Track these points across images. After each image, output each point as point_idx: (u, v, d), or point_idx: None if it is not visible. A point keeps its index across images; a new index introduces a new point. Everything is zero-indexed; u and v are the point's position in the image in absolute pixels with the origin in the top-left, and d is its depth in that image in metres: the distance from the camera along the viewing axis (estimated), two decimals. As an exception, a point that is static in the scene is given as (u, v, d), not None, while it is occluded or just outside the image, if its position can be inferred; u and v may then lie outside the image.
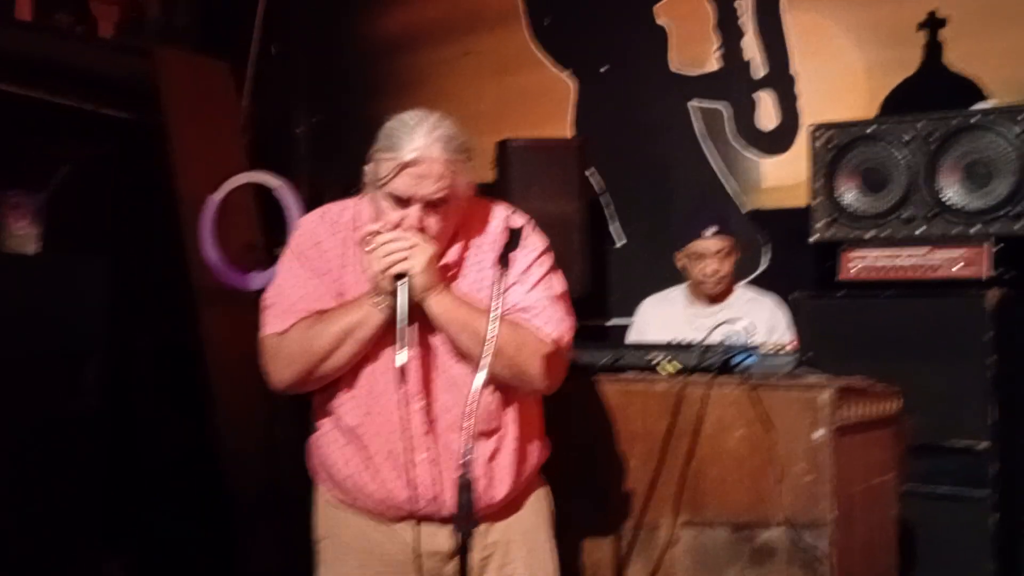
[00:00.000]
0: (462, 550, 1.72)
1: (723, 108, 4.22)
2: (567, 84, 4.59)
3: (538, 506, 2.19)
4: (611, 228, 4.44)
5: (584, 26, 4.55)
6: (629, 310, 3.90)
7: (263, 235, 4.62)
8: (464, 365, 2.00)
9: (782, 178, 4.09)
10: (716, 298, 3.49)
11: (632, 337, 3.59)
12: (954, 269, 3.25)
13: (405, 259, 1.92)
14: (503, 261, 1.85)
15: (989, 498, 3.09)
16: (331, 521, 2.14)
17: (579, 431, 2.46)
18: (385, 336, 1.98)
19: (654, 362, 2.51)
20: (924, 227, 3.31)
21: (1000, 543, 3.09)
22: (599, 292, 4.22)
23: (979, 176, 3.24)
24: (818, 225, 3.49)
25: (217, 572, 4.12)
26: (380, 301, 1.96)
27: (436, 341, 2.03)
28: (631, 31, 4.42)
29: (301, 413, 4.48)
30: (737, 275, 3.61)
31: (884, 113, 3.80)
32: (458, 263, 2.08)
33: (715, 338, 2.49)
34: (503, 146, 3.92)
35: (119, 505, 3.04)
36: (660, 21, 4.36)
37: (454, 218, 2.04)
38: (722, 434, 2.38)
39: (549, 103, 4.60)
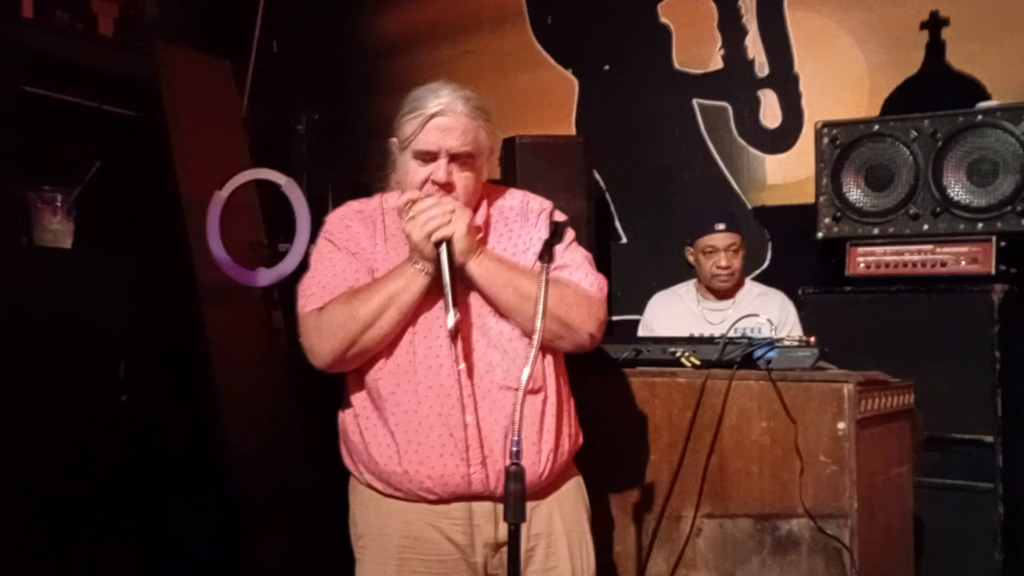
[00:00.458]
0: (511, 539, 1.72)
1: (727, 107, 4.26)
2: (569, 83, 4.62)
3: (577, 496, 2.20)
4: (613, 225, 4.48)
5: (587, 25, 4.57)
6: (631, 307, 3.93)
7: (267, 232, 4.63)
8: (505, 324, 2.03)
9: (785, 176, 4.13)
10: (725, 293, 3.53)
11: (641, 333, 3.62)
12: (960, 265, 3.30)
13: (447, 223, 1.96)
14: (547, 255, 1.86)
15: (995, 490, 3.14)
16: (372, 516, 2.13)
17: (602, 424, 2.47)
18: (423, 304, 2.02)
19: (676, 355, 2.54)
20: (930, 224, 3.36)
21: (1006, 534, 3.14)
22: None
23: (984, 173, 3.29)
24: (824, 222, 3.54)
25: (222, 569, 4.11)
26: (422, 267, 1.99)
27: (474, 304, 2.05)
28: (634, 30, 4.44)
29: (306, 409, 4.52)
30: (742, 271, 3.65)
31: (886, 112, 3.84)
32: (484, 233, 2.12)
33: (736, 332, 2.52)
34: (510, 143, 3.93)
35: (127, 501, 3.03)
36: (663, 20, 4.39)
37: (480, 181, 2.10)
38: (745, 426, 2.41)
39: (551, 102, 4.62)
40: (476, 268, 2.01)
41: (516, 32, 4.71)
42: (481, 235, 2.10)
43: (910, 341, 3.23)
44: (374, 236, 2.13)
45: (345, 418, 2.17)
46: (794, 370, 2.42)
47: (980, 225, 3.28)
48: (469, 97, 2.05)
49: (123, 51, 4.61)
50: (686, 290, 3.63)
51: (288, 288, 4.49)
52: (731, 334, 2.54)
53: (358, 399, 2.11)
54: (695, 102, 4.32)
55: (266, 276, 4.31)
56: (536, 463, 2.04)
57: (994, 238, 3.25)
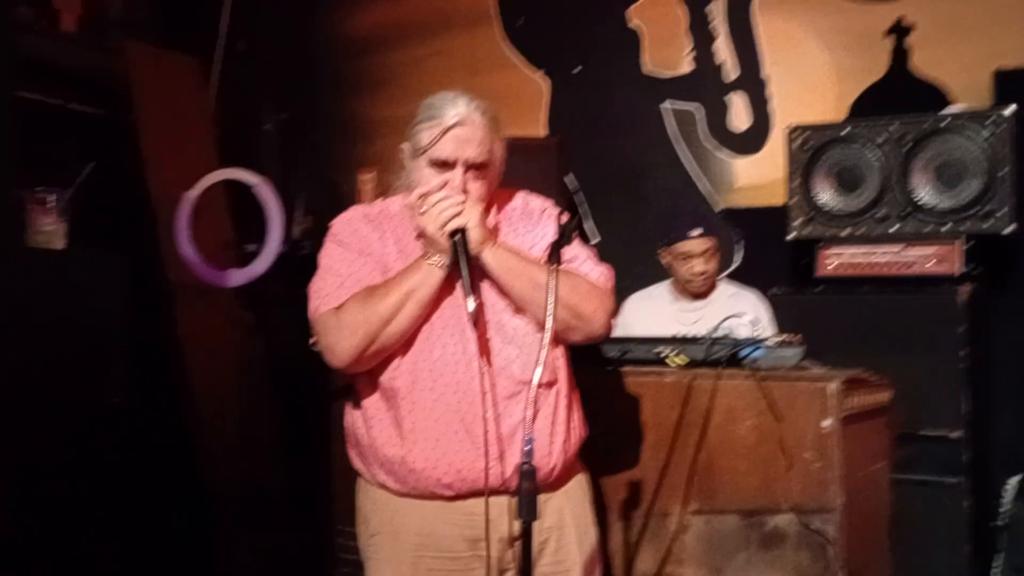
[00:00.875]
0: (524, 537, 1.75)
1: (696, 109, 4.32)
2: (539, 85, 4.65)
3: (584, 490, 2.24)
4: (584, 227, 4.51)
5: (557, 27, 4.60)
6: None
7: (236, 233, 4.60)
8: (520, 319, 2.07)
9: (754, 178, 4.20)
10: (700, 294, 3.58)
11: (618, 334, 3.65)
12: (927, 266, 3.38)
13: (460, 214, 2.00)
14: (555, 256, 1.89)
15: (963, 484, 3.22)
16: (386, 516, 2.13)
17: (590, 423, 2.49)
18: (437, 301, 2.05)
19: (662, 355, 2.59)
20: (897, 225, 3.44)
21: (973, 527, 3.23)
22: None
23: (950, 177, 3.38)
24: (795, 223, 3.61)
25: (196, 566, 4.08)
26: (437, 260, 2.02)
27: (489, 300, 2.09)
28: (604, 33, 4.49)
29: (279, 409, 4.50)
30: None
31: (852, 116, 3.92)
32: (494, 231, 2.16)
33: (721, 331, 2.57)
34: (483, 144, 3.94)
35: (107, 500, 3.00)
36: (632, 24, 4.44)
37: (491, 187, 2.14)
38: (731, 424, 2.46)
39: (521, 103, 4.64)
40: (491, 257, 2.05)
41: (487, 34, 4.73)
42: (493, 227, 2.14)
43: (879, 340, 3.29)
44: (383, 238, 2.16)
45: (355, 420, 2.17)
46: (779, 369, 2.48)
47: (946, 227, 3.36)
48: (485, 108, 2.10)
49: (88, 48, 4.55)
50: (660, 291, 3.67)
51: (259, 289, 4.48)
52: (715, 334, 2.58)
53: (371, 400, 2.12)
54: (665, 105, 4.38)
55: (237, 277, 4.28)
56: (549, 455, 2.07)
57: (959, 240, 3.33)
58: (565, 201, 4.13)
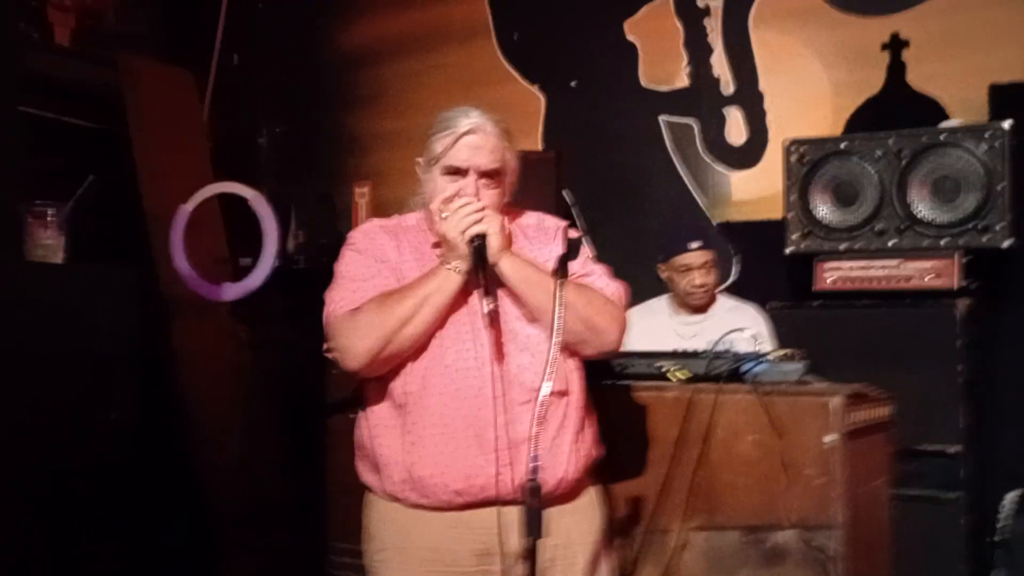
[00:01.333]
0: (530, 555, 1.73)
1: (693, 123, 4.32)
2: (536, 98, 4.65)
3: (597, 511, 2.23)
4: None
5: (553, 41, 4.61)
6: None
7: (230, 247, 4.58)
8: (534, 328, 2.09)
9: (751, 192, 4.20)
10: (699, 307, 3.57)
11: (618, 348, 3.64)
12: (925, 280, 3.38)
13: (480, 221, 2.04)
14: (562, 270, 1.89)
15: (961, 500, 3.21)
16: (394, 530, 2.12)
17: (590, 438, 2.49)
18: (451, 308, 2.07)
19: (663, 370, 2.57)
20: (895, 239, 3.44)
21: (971, 544, 3.22)
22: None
23: (947, 191, 3.38)
24: (793, 237, 3.61)
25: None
26: (455, 266, 2.04)
27: (504, 309, 2.09)
28: (601, 47, 4.49)
29: (276, 423, 4.47)
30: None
31: (850, 130, 3.93)
32: (510, 242, 2.18)
33: (723, 346, 2.56)
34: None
35: (108, 513, 2.99)
36: (629, 38, 4.44)
37: (503, 199, 2.18)
38: (733, 439, 2.44)
39: (518, 118, 4.61)
40: (508, 266, 2.07)
41: (483, 48, 4.73)
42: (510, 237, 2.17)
43: (876, 354, 3.27)
44: (400, 248, 2.19)
45: (364, 431, 2.17)
46: (781, 384, 2.46)
47: (944, 241, 3.36)
48: (498, 120, 2.15)
49: (82, 61, 4.53)
50: (659, 305, 3.67)
51: (254, 303, 4.46)
52: (716, 348, 2.57)
53: (380, 408, 2.12)
54: (661, 119, 4.38)
55: (232, 291, 4.26)
56: (558, 465, 2.07)
57: (957, 254, 3.33)
58: (563, 215, 4.12)
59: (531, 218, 2.31)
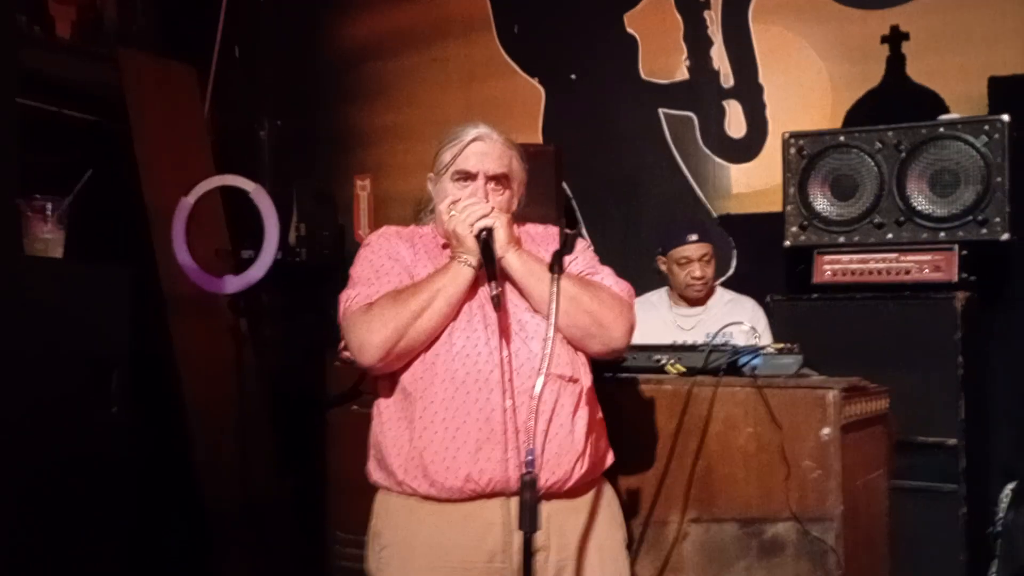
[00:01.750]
0: (526, 546, 1.74)
1: (692, 116, 4.32)
2: (536, 91, 4.65)
3: (611, 513, 2.25)
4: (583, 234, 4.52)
5: (553, 34, 4.61)
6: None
7: (231, 240, 4.59)
8: (540, 318, 2.12)
9: (750, 185, 4.20)
10: (697, 300, 3.59)
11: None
12: (924, 273, 3.38)
13: (487, 216, 2.11)
14: (557, 265, 1.91)
15: (959, 491, 3.21)
16: (401, 525, 2.13)
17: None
18: (464, 300, 2.12)
19: (661, 363, 2.59)
20: (894, 233, 3.44)
21: (970, 535, 3.22)
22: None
23: (946, 184, 3.38)
24: (792, 230, 3.61)
25: (191, 577, 4.08)
26: (465, 260, 2.10)
27: (511, 301, 2.15)
28: (601, 40, 4.49)
29: (273, 418, 4.48)
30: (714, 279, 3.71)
31: (848, 123, 3.93)
32: (518, 240, 2.22)
33: (721, 339, 2.57)
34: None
35: (106, 510, 3.00)
36: (630, 30, 4.44)
37: (512, 205, 2.25)
38: (730, 432, 2.46)
39: (518, 110, 4.65)
40: (514, 260, 2.13)
41: (483, 41, 4.73)
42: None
43: (875, 347, 3.28)
44: (415, 250, 2.25)
45: (375, 429, 2.19)
46: (778, 377, 2.48)
47: (942, 234, 3.36)
48: (501, 132, 2.26)
49: (83, 55, 4.54)
50: (658, 298, 3.69)
51: (254, 296, 4.47)
52: (714, 341, 2.59)
53: (392, 403, 2.15)
54: (661, 112, 4.38)
55: (234, 284, 4.27)
56: (571, 452, 2.09)
57: (956, 247, 3.33)
58: (563, 208, 4.13)
59: (538, 228, 2.38)
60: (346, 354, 2.15)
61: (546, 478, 2.03)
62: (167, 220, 4.23)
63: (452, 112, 4.70)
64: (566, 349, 2.15)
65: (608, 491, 2.28)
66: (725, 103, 4.26)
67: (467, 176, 2.18)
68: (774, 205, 3.79)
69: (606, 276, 2.26)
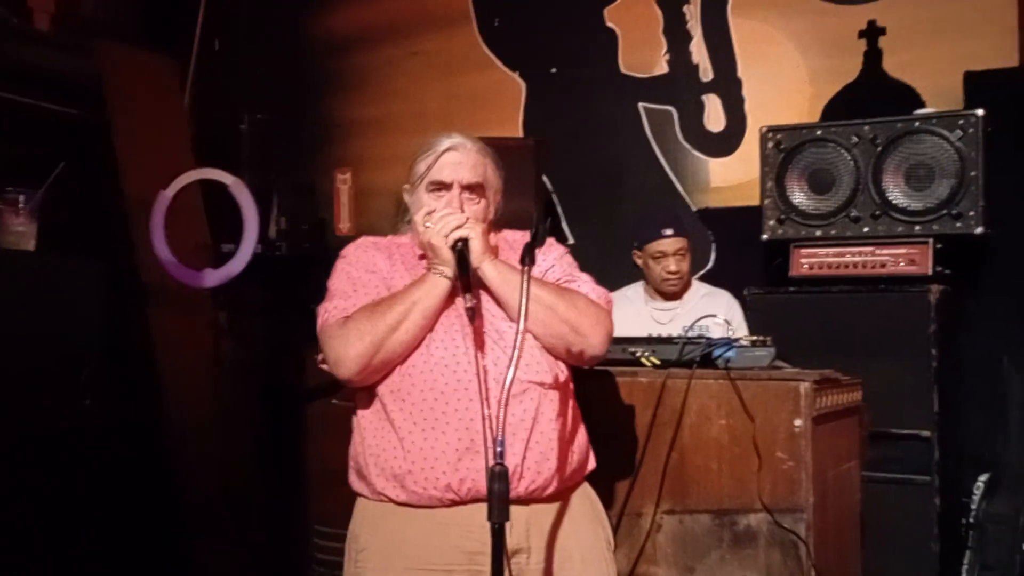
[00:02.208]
0: (495, 538, 1.75)
1: (672, 110, 4.34)
2: (516, 85, 4.66)
3: (593, 510, 2.26)
4: (561, 228, 4.53)
5: (533, 28, 4.62)
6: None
7: (211, 233, 4.58)
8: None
9: (728, 178, 4.23)
10: (673, 295, 3.61)
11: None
12: (899, 266, 3.41)
13: (463, 227, 2.10)
14: (528, 258, 1.91)
15: (933, 483, 3.24)
16: (379, 529, 2.13)
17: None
18: (441, 311, 2.12)
19: (636, 355, 2.60)
20: (870, 226, 3.46)
21: (942, 526, 3.25)
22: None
23: (921, 178, 3.39)
24: (769, 224, 3.62)
25: (170, 572, 4.07)
26: (441, 271, 2.10)
27: (488, 311, 2.15)
28: (581, 33, 4.51)
29: (252, 412, 4.48)
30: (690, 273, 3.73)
31: (826, 117, 3.95)
32: (495, 250, 2.24)
33: (695, 332, 2.58)
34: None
35: (81, 503, 2.99)
36: (609, 24, 4.46)
37: (488, 214, 2.24)
38: (704, 424, 2.47)
39: (498, 104, 4.66)
40: (490, 270, 2.13)
41: (463, 34, 4.74)
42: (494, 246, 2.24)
43: (851, 340, 3.30)
44: (392, 261, 2.26)
45: (355, 439, 2.20)
46: (752, 369, 2.49)
47: (917, 228, 3.38)
48: (476, 140, 2.26)
49: (61, 47, 4.52)
50: (634, 291, 3.70)
51: (234, 290, 4.46)
52: (688, 334, 2.60)
53: (371, 412, 2.15)
54: (641, 105, 4.40)
55: (213, 277, 4.26)
56: (552, 460, 2.10)
57: (931, 240, 3.35)
58: (543, 202, 4.14)
59: (517, 235, 2.37)
60: (324, 365, 2.16)
61: (526, 486, 2.04)
62: (146, 213, 4.22)
63: (432, 105, 4.71)
64: (543, 354, 2.15)
65: (592, 496, 2.29)
66: (704, 97, 4.28)
67: (442, 186, 2.18)
68: (753, 199, 3.80)
69: (582, 284, 2.25)
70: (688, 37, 4.30)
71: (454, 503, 2.07)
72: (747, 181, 4.02)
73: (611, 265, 4.10)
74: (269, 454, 4.31)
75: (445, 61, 4.78)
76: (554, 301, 2.10)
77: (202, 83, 5.03)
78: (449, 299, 2.13)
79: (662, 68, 4.36)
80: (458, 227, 2.09)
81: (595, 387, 2.58)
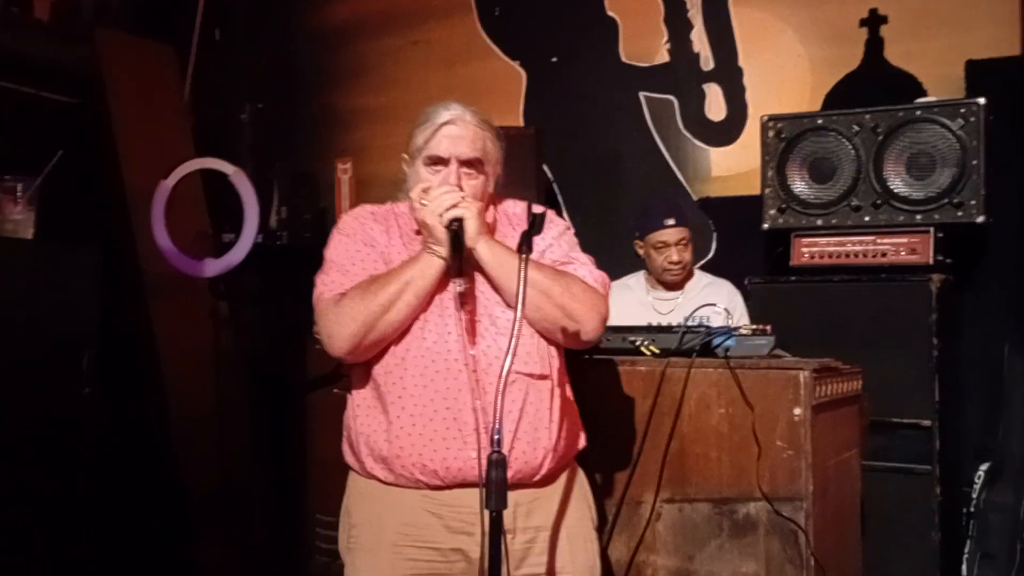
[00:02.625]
0: (492, 527, 1.75)
1: (673, 99, 4.33)
2: (517, 74, 4.64)
3: (580, 494, 2.26)
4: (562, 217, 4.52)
5: (534, 17, 4.60)
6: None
7: (212, 222, 4.58)
8: (511, 313, 2.09)
9: (729, 168, 4.21)
10: (675, 284, 3.60)
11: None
12: (900, 255, 3.40)
13: (458, 206, 2.07)
14: (526, 246, 1.90)
15: (934, 472, 3.24)
16: (369, 506, 2.15)
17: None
18: (434, 294, 2.11)
19: (636, 344, 2.60)
20: (871, 215, 3.46)
21: (943, 515, 3.25)
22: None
23: (922, 167, 3.39)
24: (770, 213, 3.62)
25: (169, 560, 4.07)
26: (438, 250, 2.07)
27: (483, 295, 2.13)
28: (581, 22, 4.48)
29: (252, 402, 4.48)
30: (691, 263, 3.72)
31: (827, 106, 3.94)
32: (491, 228, 2.22)
33: (695, 321, 2.58)
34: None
35: (80, 493, 2.99)
36: (610, 13, 4.44)
37: (487, 188, 2.20)
38: (704, 413, 2.48)
39: (499, 93, 4.64)
40: (485, 250, 2.10)
41: (464, 23, 4.72)
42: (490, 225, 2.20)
43: (852, 329, 3.31)
44: (388, 232, 2.23)
45: (347, 413, 2.20)
46: (751, 358, 2.49)
47: (919, 217, 3.38)
48: (476, 111, 2.20)
49: (60, 36, 4.51)
50: (635, 281, 3.70)
51: (235, 279, 4.46)
52: (688, 323, 2.60)
53: (362, 391, 2.16)
54: (641, 95, 4.38)
55: (214, 267, 4.26)
56: (539, 449, 2.10)
57: (932, 229, 3.35)
58: (543, 192, 4.14)
59: (518, 206, 2.33)
60: (318, 335, 2.16)
61: (513, 474, 2.04)
62: (147, 202, 4.21)
63: (433, 94, 4.61)
64: (536, 345, 2.14)
65: (579, 475, 2.29)
66: (705, 86, 4.26)
67: (439, 161, 2.14)
68: (754, 188, 3.79)
69: (580, 266, 2.22)
70: (689, 26, 4.28)
71: (439, 487, 2.08)
72: (748, 170, 4.00)
73: (611, 255, 4.08)
74: (269, 443, 4.32)
75: (446, 50, 4.77)
76: (549, 286, 2.07)
77: (202, 72, 5.02)
78: (445, 279, 2.11)
79: (663, 57, 4.34)
80: (453, 206, 2.06)
81: (595, 376, 2.59)
